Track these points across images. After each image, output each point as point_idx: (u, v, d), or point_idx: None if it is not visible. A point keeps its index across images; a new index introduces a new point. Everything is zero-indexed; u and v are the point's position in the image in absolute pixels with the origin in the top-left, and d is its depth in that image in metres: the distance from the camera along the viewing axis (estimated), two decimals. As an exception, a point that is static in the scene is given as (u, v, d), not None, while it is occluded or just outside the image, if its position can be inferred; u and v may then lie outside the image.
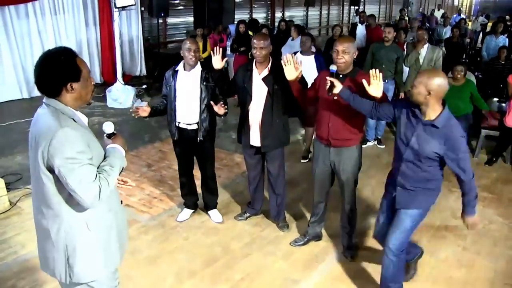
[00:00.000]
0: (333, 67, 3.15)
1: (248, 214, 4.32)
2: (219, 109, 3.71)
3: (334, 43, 3.33)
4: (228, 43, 8.93)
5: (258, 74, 3.71)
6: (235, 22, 9.77)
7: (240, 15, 10.42)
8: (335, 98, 3.17)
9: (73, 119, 1.98)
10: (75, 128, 1.93)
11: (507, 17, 14.78)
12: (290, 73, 3.31)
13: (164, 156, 5.92)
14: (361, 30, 10.18)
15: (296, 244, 3.90)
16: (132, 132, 6.91)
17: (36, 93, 8.97)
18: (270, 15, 14.43)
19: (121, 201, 2.31)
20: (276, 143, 3.85)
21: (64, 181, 1.89)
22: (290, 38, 8.08)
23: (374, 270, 3.48)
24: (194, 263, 3.65)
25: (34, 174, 2.02)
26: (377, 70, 3.00)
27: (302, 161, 5.81)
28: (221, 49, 3.67)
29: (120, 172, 2.15)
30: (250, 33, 8.83)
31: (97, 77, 9.94)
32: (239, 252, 3.81)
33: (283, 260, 3.72)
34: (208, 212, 4.34)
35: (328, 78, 3.11)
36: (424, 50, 6.23)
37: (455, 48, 8.67)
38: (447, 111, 2.72)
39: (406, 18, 13.89)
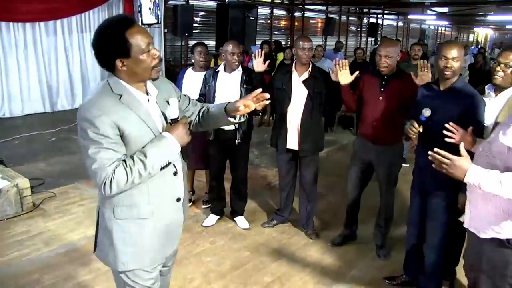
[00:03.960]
0: (425, 113, 2.61)
1: (275, 222, 4.20)
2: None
3: (378, 47, 3.39)
4: (250, 64, 8.99)
5: (298, 77, 3.69)
6: (257, 44, 9.89)
7: (261, 40, 10.58)
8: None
9: (120, 95, 1.77)
10: (105, 106, 1.71)
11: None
12: (346, 78, 3.32)
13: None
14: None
15: (334, 244, 3.88)
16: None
17: (58, 107, 8.98)
18: (290, 41, 14.63)
19: (178, 198, 1.98)
20: (314, 148, 3.80)
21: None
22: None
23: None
24: (222, 265, 3.52)
25: None
26: (425, 61, 3.18)
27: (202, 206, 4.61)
28: (263, 51, 3.65)
29: (166, 166, 1.84)
30: (274, 53, 8.93)
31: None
32: (268, 256, 3.68)
33: (314, 265, 3.57)
34: (235, 218, 4.23)
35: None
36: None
37: (478, 74, 8.61)
38: (462, 78, 2.72)
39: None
